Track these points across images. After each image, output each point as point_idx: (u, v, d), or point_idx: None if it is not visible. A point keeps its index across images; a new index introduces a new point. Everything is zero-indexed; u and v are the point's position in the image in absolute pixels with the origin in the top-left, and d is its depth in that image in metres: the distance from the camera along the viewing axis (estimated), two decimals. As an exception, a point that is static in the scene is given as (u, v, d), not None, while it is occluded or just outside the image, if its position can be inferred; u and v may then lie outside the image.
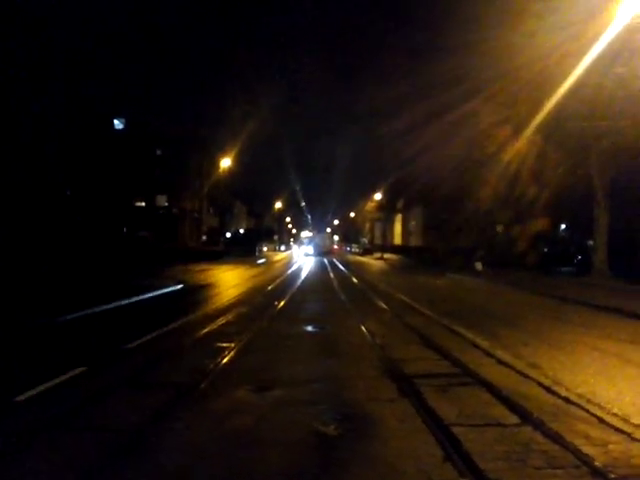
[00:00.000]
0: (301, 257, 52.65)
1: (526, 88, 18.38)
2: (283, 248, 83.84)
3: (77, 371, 6.11)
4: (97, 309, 11.44)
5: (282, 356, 7.14)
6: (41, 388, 5.42)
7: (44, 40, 24.34)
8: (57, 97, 26.46)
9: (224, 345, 7.73)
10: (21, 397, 5.12)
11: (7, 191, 22.06)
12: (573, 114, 17.64)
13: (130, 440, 4.10)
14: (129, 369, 6.35)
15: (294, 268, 31.47)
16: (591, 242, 22.24)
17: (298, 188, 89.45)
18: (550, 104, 16.78)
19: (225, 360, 6.84)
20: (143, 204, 47.13)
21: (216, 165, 43.81)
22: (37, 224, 23.71)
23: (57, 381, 5.70)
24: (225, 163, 41.63)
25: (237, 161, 44.99)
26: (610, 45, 13.33)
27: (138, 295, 14.07)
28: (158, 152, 46.74)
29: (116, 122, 45.54)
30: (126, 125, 45.87)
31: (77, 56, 27.52)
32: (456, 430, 4.30)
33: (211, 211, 59.16)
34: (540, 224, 25.70)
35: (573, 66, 14.68)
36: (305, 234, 75.67)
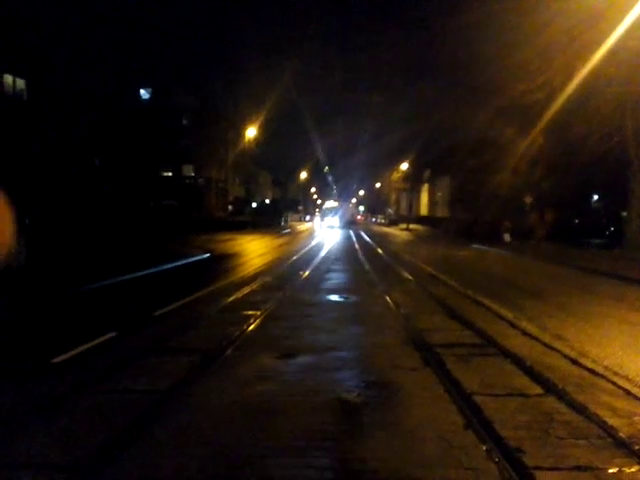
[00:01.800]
0: (324, 229, 47.91)
1: (561, 54, 17.61)
2: (308, 218, 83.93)
3: (108, 336, 6.34)
4: (128, 277, 11.76)
5: (306, 324, 7.24)
6: (75, 351, 5.66)
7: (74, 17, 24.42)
8: (84, 68, 26.65)
9: (250, 313, 7.87)
10: (57, 359, 5.37)
11: (38, 162, 22.55)
12: (610, 80, 16.89)
13: (156, 402, 4.26)
14: (158, 335, 6.53)
15: (319, 239, 31.55)
16: (625, 213, 21.56)
17: (323, 158, 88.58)
18: (585, 70, 16.09)
19: (251, 327, 6.98)
20: (170, 174, 47.61)
21: (241, 135, 43.74)
22: (67, 195, 24.24)
23: (90, 344, 5.94)
24: (250, 133, 41.51)
25: (262, 131, 44.82)
26: None
27: (166, 263, 14.37)
28: (184, 122, 46.86)
29: (142, 92, 45.74)
30: (152, 95, 46.03)
31: (105, 26, 27.55)
32: (478, 399, 4.33)
33: (237, 181, 59.49)
34: (570, 196, 24.96)
35: (610, 30, 14.00)
36: (329, 204, 67.81)
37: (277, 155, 68.27)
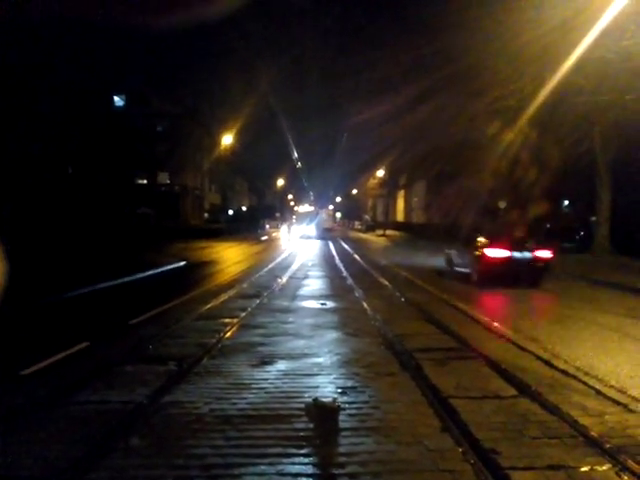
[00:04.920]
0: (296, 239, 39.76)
1: (531, 63, 18.06)
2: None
3: (81, 346, 6.19)
4: (100, 286, 11.53)
5: (284, 331, 7.21)
6: (46, 362, 5.51)
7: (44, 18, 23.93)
8: (57, 75, 26.17)
9: (226, 321, 7.80)
10: (26, 371, 5.22)
11: (9, 169, 22.02)
12: (578, 89, 17.38)
13: (132, 412, 4.19)
14: (133, 344, 6.42)
15: (296, 246, 31.53)
16: (594, 218, 22.14)
17: (300, 165, 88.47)
18: (555, 79, 16.52)
19: (227, 335, 6.92)
20: (145, 181, 46.98)
21: (217, 142, 43.51)
22: (39, 202, 23.71)
23: (62, 355, 5.79)
24: (226, 140, 41.30)
25: (238, 138, 44.65)
26: (616, 18, 13.07)
27: (141, 272, 14.15)
28: (159, 129, 46.37)
29: (116, 99, 45.14)
30: (126, 101, 45.49)
31: (76, 32, 27.11)
32: (454, 402, 4.37)
33: (213, 188, 59.06)
34: (542, 200, 25.53)
35: (578, 40, 14.40)
36: (303, 208, 57.22)
37: (254, 162, 67.99)
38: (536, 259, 12.00)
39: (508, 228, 13.88)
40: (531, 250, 12.08)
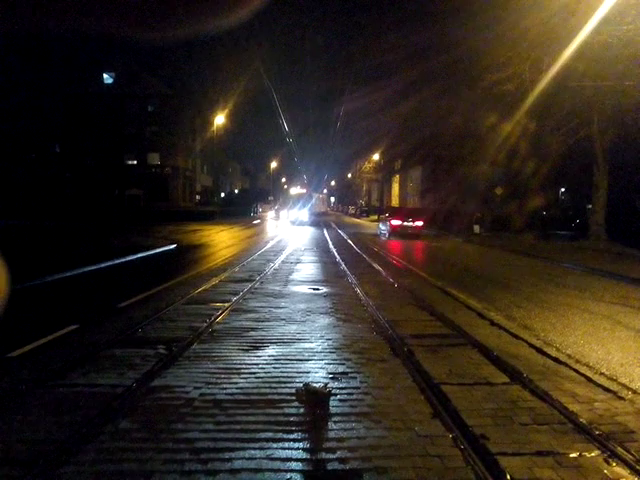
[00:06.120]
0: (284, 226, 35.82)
1: (530, 48, 17.91)
2: (277, 208, 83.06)
3: (70, 329, 6.13)
4: (90, 268, 11.42)
5: (275, 316, 7.17)
6: (34, 345, 5.45)
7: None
8: (46, 53, 25.60)
9: (217, 305, 7.75)
10: (14, 353, 5.16)
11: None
12: (579, 74, 17.29)
13: (121, 395, 4.15)
14: (122, 327, 6.35)
15: (289, 230, 31.41)
16: (590, 206, 22.19)
17: (294, 148, 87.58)
18: (555, 64, 16.40)
19: (218, 319, 6.88)
20: (135, 162, 46.35)
21: (210, 123, 42.97)
22: (26, 181, 23.37)
23: (50, 338, 5.73)
24: (219, 121, 40.77)
25: (231, 119, 44.14)
26: (617, 4, 13.01)
27: (131, 255, 14.03)
28: (150, 108, 45.62)
29: (106, 76, 44.34)
30: (116, 80, 44.67)
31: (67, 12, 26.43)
32: (445, 389, 4.37)
33: (205, 170, 58.57)
34: (539, 188, 25.52)
35: (579, 26, 14.28)
36: (295, 190, 51.58)
37: (247, 144, 67.42)
38: (415, 226, 23.95)
39: (404, 210, 28.21)
40: (413, 221, 23.91)
